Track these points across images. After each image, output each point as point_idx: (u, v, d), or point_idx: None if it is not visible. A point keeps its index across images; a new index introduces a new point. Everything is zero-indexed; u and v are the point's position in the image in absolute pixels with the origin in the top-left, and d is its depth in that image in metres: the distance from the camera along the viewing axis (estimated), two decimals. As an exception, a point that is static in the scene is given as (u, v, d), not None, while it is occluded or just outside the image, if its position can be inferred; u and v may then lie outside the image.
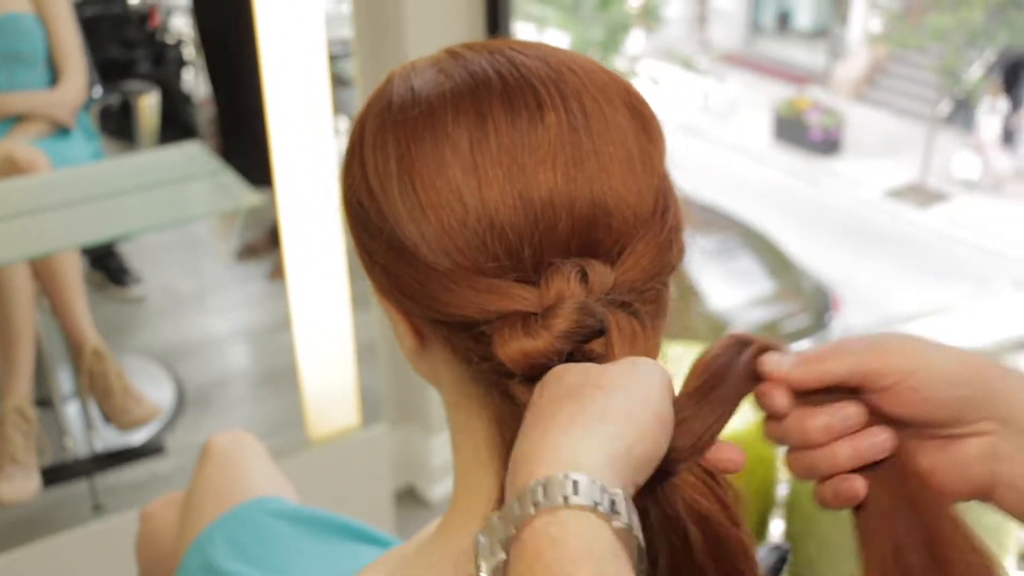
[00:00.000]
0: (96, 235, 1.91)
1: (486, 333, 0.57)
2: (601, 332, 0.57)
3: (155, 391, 2.22)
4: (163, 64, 2.87)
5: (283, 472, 1.23)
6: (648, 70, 6.38)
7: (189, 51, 2.86)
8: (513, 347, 0.56)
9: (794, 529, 1.85)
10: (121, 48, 2.67)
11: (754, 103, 10.35)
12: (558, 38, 6.22)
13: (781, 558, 0.84)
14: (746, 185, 8.33)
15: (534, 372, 0.57)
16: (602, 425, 0.50)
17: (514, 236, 0.57)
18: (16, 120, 2.03)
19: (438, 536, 0.66)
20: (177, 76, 2.91)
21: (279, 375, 2.28)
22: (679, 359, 2.03)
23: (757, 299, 5.91)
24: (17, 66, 2.02)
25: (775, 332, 5.70)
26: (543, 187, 0.57)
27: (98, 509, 2.00)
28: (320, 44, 1.68)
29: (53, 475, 1.98)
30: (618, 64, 6.24)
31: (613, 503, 0.47)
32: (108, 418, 2.04)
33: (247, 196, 1.63)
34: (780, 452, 1.99)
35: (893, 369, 0.57)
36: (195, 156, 1.88)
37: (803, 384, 0.58)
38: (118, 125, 2.46)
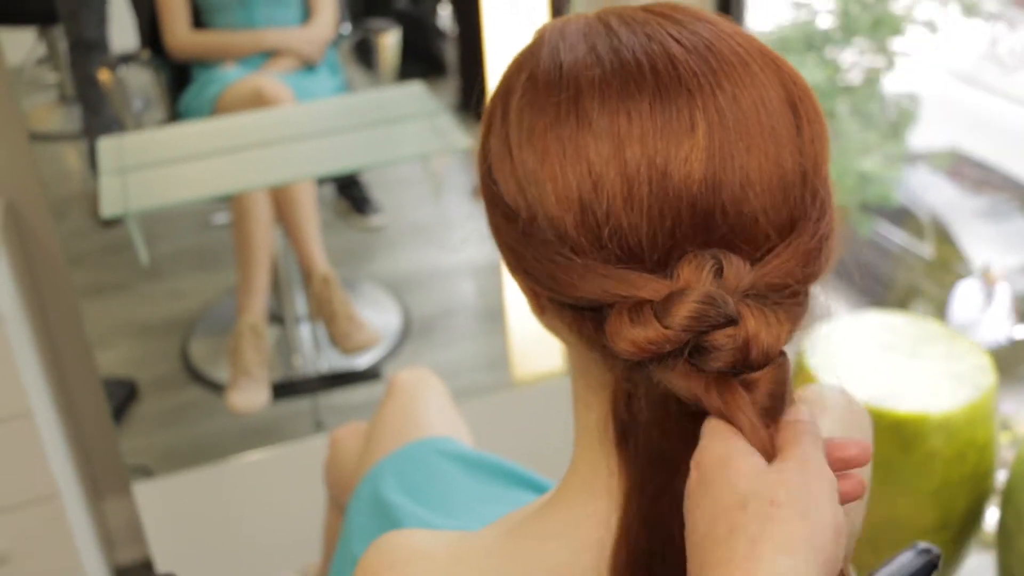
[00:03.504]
0: (322, 168, 2.01)
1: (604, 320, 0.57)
2: (728, 323, 0.54)
3: (383, 318, 2.32)
4: (420, 0, 2.96)
5: (487, 410, 1.26)
6: (924, 15, 5.93)
7: (446, -13, 2.93)
8: (624, 335, 0.55)
9: (1007, 522, 1.72)
10: (383, -17, 2.76)
11: (1051, 52, 9.49)
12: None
13: (931, 564, 0.78)
14: (1032, 142, 7.68)
15: (649, 360, 0.56)
16: (788, 559, 0.49)
17: (649, 233, 0.55)
18: (270, 55, 2.16)
19: (551, 505, 0.66)
20: (433, 12, 2.99)
21: (499, 313, 2.34)
22: (940, 339, 1.92)
23: (1028, 266, 5.47)
24: (273, 3, 2.13)
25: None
26: (685, 188, 0.55)
27: (319, 425, 2.14)
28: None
29: (281, 390, 2.12)
30: (892, 8, 5.85)
31: None
32: (333, 341, 2.16)
33: (459, 138, 1.66)
34: (998, 436, 1.85)
35: None
36: (418, 96, 1.94)
37: None
38: (369, 58, 2.57)
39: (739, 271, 0.55)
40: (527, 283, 0.62)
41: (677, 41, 0.58)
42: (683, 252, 0.55)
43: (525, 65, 0.62)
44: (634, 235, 0.55)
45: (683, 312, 0.54)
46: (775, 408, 0.55)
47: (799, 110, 0.58)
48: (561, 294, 0.58)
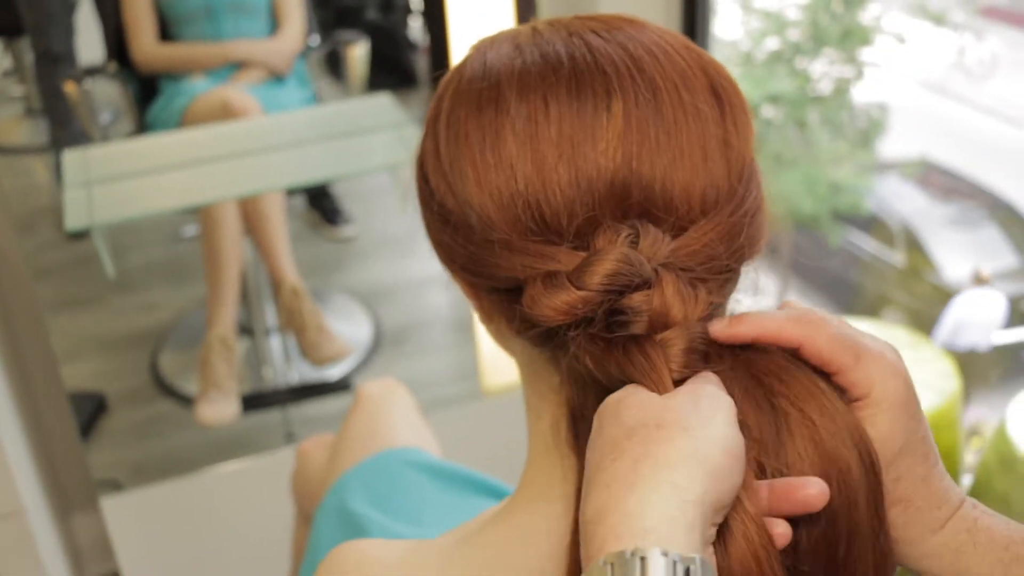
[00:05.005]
0: (290, 179, 2.01)
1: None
2: (644, 286, 0.55)
3: (354, 329, 2.32)
4: (391, 11, 2.97)
5: (457, 420, 1.26)
6: (893, 25, 6.01)
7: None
8: (540, 302, 0.55)
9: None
10: (354, -6, 2.77)
11: (1017, 62, 9.60)
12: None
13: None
14: (1000, 152, 7.76)
15: (567, 327, 0.56)
16: (670, 473, 0.48)
17: (566, 211, 0.56)
18: (238, 67, 2.16)
19: (505, 512, 0.66)
20: (403, 23, 3.00)
21: (469, 324, 2.34)
22: (905, 345, 1.93)
23: (997, 274, 5.54)
24: (240, 15, 2.13)
25: (1015, 310, 5.33)
26: (601, 170, 0.56)
27: (290, 437, 2.13)
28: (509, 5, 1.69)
29: (251, 402, 2.12)
30: (861, 19, 5.92)
31: (688, 572, 0.46)
32: (303, 353, 2.15)
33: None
34: (963, 441, 1.86)
35: (862, 385, 0.56)
36: (385, 108, 1.94)
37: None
38: (338, 70, 2.57)
39: (656, 241, 0.55)
40: (461, 277, 0.63)
41: (597, 35, 0.60)
42: (599, 225, 0.56)
43: (456, 73, 0.63)
44: (552, 212, 0.56)
45: (599, 271, 0.54)
46: (691, 367, 0.55)
47: (721, 94, 0.59)
48: (485, 277, 0.59)
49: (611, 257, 0.54)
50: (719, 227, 0.57)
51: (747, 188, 0.59)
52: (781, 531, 0.53)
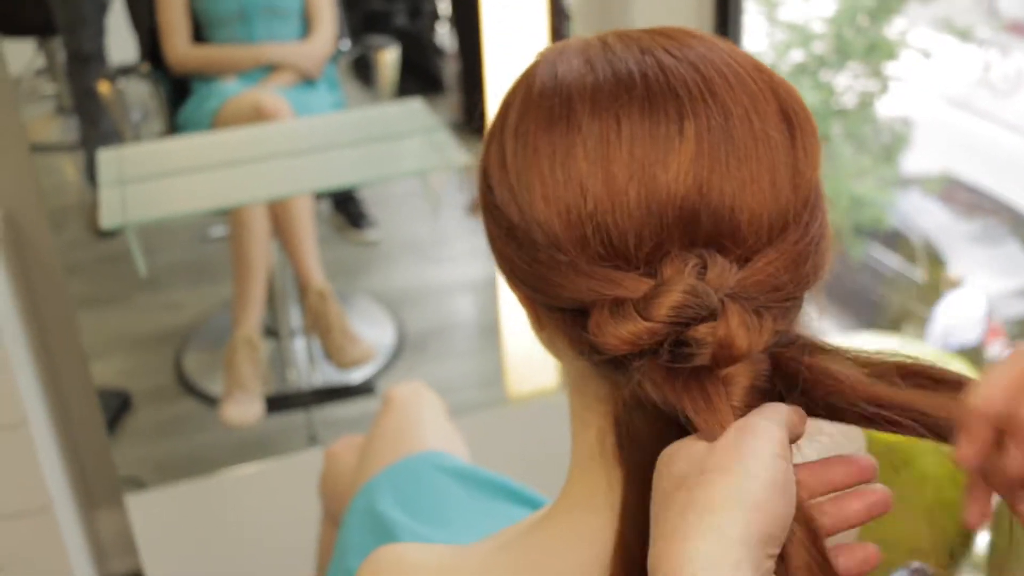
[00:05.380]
0: (321, 183, 2.02)
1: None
2: (709, 317, 0.54)
3: (378, 333, 2.33)
4: (419, 17, 2.98)
5: (480, 426, 1.26)
6: (918, 40, 5.98)
7: (444, 5, 2.95)
8: (606, 330, 0.55)
9: (999, 544, 1.73)
10: (382, 1, 2.78)
11: (1043, 79, 9.53)
12: (824, 2, 5.94)
13: (923, 584, 0.79)
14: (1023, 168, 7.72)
15: (632, 356, 0.56)
16: (712, 516, 0.49)
17: (635, 235, 0.56)
18: (270, 69, 2.17)
19: (547, 520, 0.67)
20: (431, 29, 3.01)
21: (494, 329, 2.34)
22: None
23: (1020, 290, 5.50)
24: (273, 19, 2.15)
25: (1036, 326, 5.30)
26: (672, 192, 0.55)
27: (313, 440, 2.14)
28: (542, 5, 1.69)
29: (275, 404, 2.12)
30: (886, 33, 5.90)
31: None
32: (328, 355, 2.16)
33: (457, 155, 1.68)
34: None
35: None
36: (417, 112, 1.95)
37: None
38: (368, 74, 2.59)
39: (723, 270, 0.55)
40: (521, 291, 0.63)
41: (669, 53, 0.59)
42: (668, 253, 0.56)
43: (525, 81, 0.63)
44: (620, 236, 0.56)
45: (666, 303, 0.54)
46: (753, 406, 0.55)
47: (792, 119, 0.59)
48: (549, 296, 0.59)
49: (678, 288, 0.54)
50: (785, 255, 0.56)
51: (812, 215, 0.58)
52: (870, 553, 0.53)
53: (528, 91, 0.62)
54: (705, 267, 0.55)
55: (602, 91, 0.58)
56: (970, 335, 5.03)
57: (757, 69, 0.60)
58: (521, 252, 0.60)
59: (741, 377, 0.55)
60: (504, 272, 0.64)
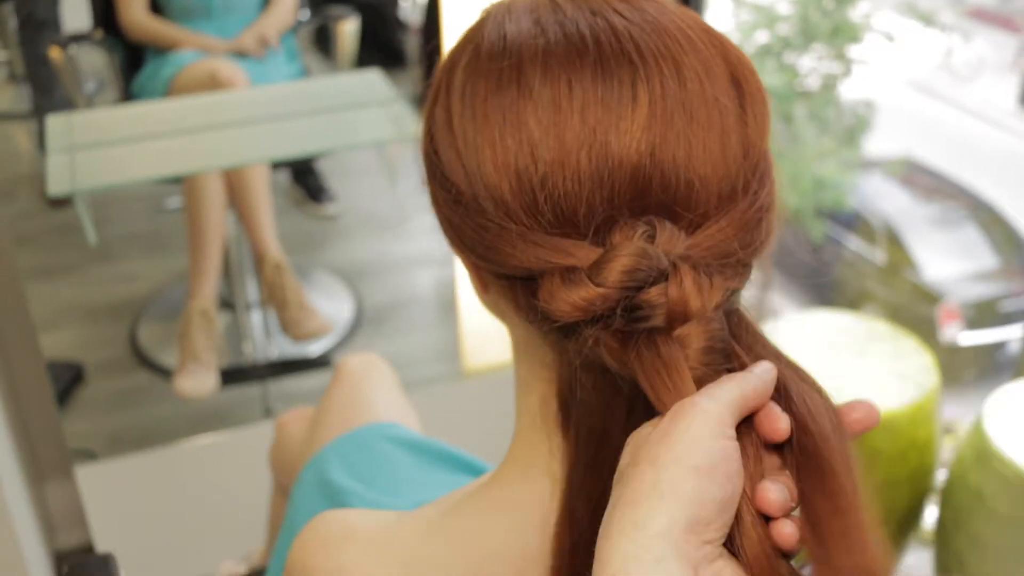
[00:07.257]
0: (276, 152, 1.99)
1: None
2: (661, 279, 0.54)
3: (335, 307, 2.31)
4: (382, -11, 2.96)
5: (438, 399, 1.25)
6: (882, 24, 6.03)
7: (408, -22, 2.92)
8: (558, 297, 0.55)
9: (945, 521, 1.75)
10: (343, -29, 2.75)
11: (1003, 64, 9.63)
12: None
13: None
14: (983, 153, 7.80)
15: (583, 323, 0.55)
16: (633, 512, 0.49)
17: (586, 201, 0.55)
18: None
19: (490, 486, 0.66)
20: (393, 2, 2.99)
21: (451, 304, 2.34)
22: (885, 339, 1.94)
23: (977, 274, 5.57)
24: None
25: (993, 310, 5.37)
26: (624, 158, 0.54)
27: (268, 412, 2.12)
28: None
29: (230, 376, 2.11)
30: (851, 16, 5.93)
31: None
32: (284, 328, 2.14)
33: (415, 127, 1.66)
34: (937, 436, 1.87)
35: None
36: (374, 84, 1.93)
37: None
38: (328, 45, 2.56)
39: (672, 236, 0.55)
40: (467, 257, 0.62)
41: (620, 14, 0.58)
42: (617, 221, 0.55)
43: (471, 39, 0.62)
44: (570, 203, 0.55)
45: (617, 267, 0.53)
46: (711, 366, 0.54)
47: (743, 86, 0.58)
48: (496, 264, 0.58)
49: (628, 252, 0.53)
50: (734, 222, 0.56)
51: (761, 182, 0.58)
52: (788, 531, 0.52)
53: (476, 52, 0.60)
54: (655, 233, 0.55)
55: (553, 55, 0.57)
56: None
57: (707, 32, 0.59)
58: (468, 218, 0.59)
59: (695, 338, 0.54)
60: (448, 237, 0.63)
